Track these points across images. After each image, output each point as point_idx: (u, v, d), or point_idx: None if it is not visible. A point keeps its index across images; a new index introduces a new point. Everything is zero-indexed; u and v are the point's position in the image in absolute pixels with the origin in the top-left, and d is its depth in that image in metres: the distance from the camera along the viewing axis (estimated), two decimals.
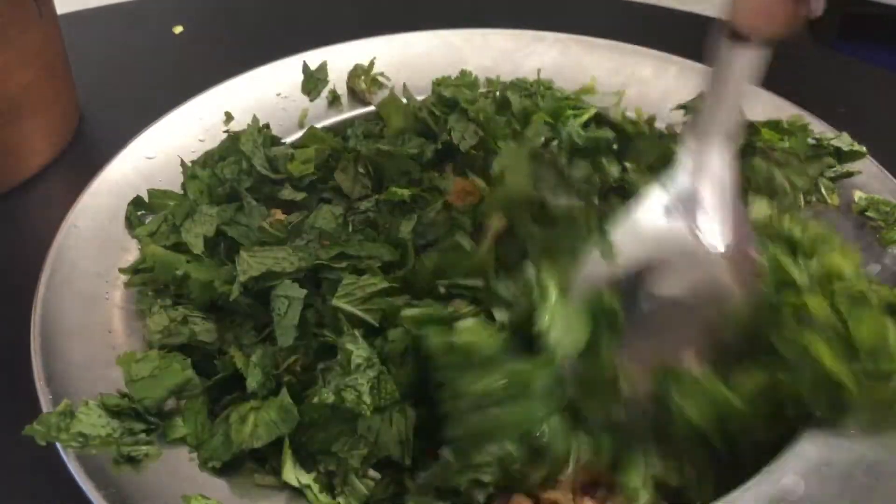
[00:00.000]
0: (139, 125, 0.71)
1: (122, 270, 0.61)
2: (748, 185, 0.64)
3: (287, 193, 0.66)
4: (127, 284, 0.60)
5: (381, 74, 0.79)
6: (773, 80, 0.77)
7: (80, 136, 0.85)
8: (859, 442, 0.49)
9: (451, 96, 0.72)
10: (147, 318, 0.57)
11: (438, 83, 0.76)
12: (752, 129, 0.70)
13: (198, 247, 0.61)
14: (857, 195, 0.66)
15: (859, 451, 0.49)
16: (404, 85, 0.78)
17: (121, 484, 0.48)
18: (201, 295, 0.58)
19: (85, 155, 0.83)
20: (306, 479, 0.49)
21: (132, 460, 0.49)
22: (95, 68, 0.94)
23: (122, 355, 0.54)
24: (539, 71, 0.78)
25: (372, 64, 0.79)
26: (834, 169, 0.68)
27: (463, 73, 0.77)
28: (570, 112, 0.73)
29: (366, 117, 0.76)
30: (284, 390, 0.51)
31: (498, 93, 0.75)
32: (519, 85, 0.76)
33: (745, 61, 0.48)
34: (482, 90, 0.77)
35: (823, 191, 0.67)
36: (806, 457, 0.48)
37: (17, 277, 0.62)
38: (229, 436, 0.50)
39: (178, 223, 0.63)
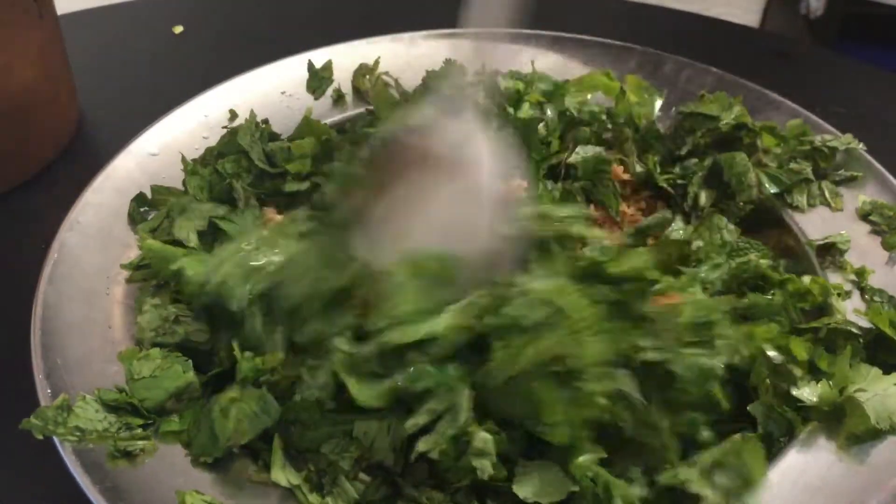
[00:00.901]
0: (139, 125, 0.71)
1: (123, 266, 0.60)
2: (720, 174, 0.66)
3: (290, 186, 0.66)
4: (128, 280, 0.60)
5: (386, 73, 0.78)
6: (775, 81, 0.78)
7: (80, 136, 0.85)
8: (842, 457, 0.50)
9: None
10: (138, 315, 0.57)
11: (428, 76, 0.76)
12: (752, 131, 0.70)
13: (192, 241, 0.61)
14: (861, 199, 0.66)
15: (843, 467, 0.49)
16: (396, 80, 0.78)
17: (117, 478, 0.48)
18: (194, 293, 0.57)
19: (85, 155, 0.83)
20: (296, 479, 0.49)
21: (128, 455, 0.49)
22: (95, 68, 0.94)
23: (124, 351, 0.54)
24: (533, 62, 0.78)
25: (377, 63, 0.79)
26: (838, 172, 0.68)
27: (447, 61, 0.77)
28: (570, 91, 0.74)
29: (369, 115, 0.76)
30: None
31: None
32: (511, 75, 0.77)
33: None
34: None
35: (827, 195, 0.66)
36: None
37: (17, 276, 0.61)
38: (214, 431, 0.50)
39: (174, 219, 0.63)
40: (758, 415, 0.51)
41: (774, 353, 0.53)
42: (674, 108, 0.74)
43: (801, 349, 0.53)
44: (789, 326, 0.56)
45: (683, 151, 0.70)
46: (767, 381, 0.52)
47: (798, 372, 0.52)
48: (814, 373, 0.53)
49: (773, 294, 0.58)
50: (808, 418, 0.51)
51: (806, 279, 0.59)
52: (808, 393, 0.51)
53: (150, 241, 0.60)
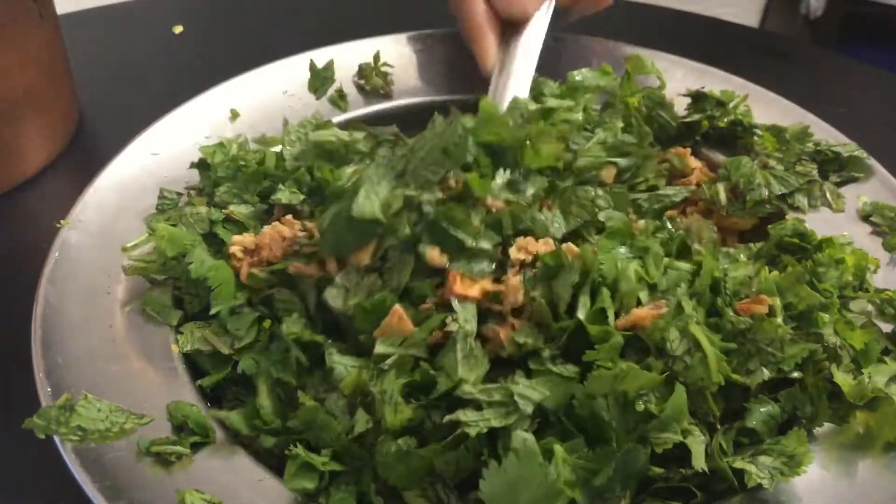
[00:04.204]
0: (139, 125, 0.71)
1: (125, 249, 0.60)
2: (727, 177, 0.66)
3: (285, 196, 0.63)
4: (127, 271, 0.60)
5: (386, 64, 0.78)
6: (775, 81, 0.78)
7: (80, 136, 0.85)
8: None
9: None
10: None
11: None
12: (747, 130, 0.70)
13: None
14: (862, 200, 0.66)
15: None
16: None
17: (116, 477, 0.48)
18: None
19: (85, 155, 0.83)
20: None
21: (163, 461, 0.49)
22: (95, 68, 0.94)
23: None
24: None
25: (378, 60, 0.78)
26: (839, 173, 0.68)
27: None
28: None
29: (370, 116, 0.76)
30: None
31: None
32: None
33: None
34: None
35: (828, 195, 0.66)
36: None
37: (17, 276, 0.61)
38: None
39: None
40: (782, 394, 0.51)
41: (831, 336, 0.52)
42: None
43: (859, 339, 0.52)
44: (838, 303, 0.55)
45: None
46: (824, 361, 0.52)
47: (846, 358, 0.52)
48: (857, 364, 0.52)
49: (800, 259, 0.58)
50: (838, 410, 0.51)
51: (846, 248, 0.59)
52: (844, 379, 0.51)
53: (162, 224, 0.59)
